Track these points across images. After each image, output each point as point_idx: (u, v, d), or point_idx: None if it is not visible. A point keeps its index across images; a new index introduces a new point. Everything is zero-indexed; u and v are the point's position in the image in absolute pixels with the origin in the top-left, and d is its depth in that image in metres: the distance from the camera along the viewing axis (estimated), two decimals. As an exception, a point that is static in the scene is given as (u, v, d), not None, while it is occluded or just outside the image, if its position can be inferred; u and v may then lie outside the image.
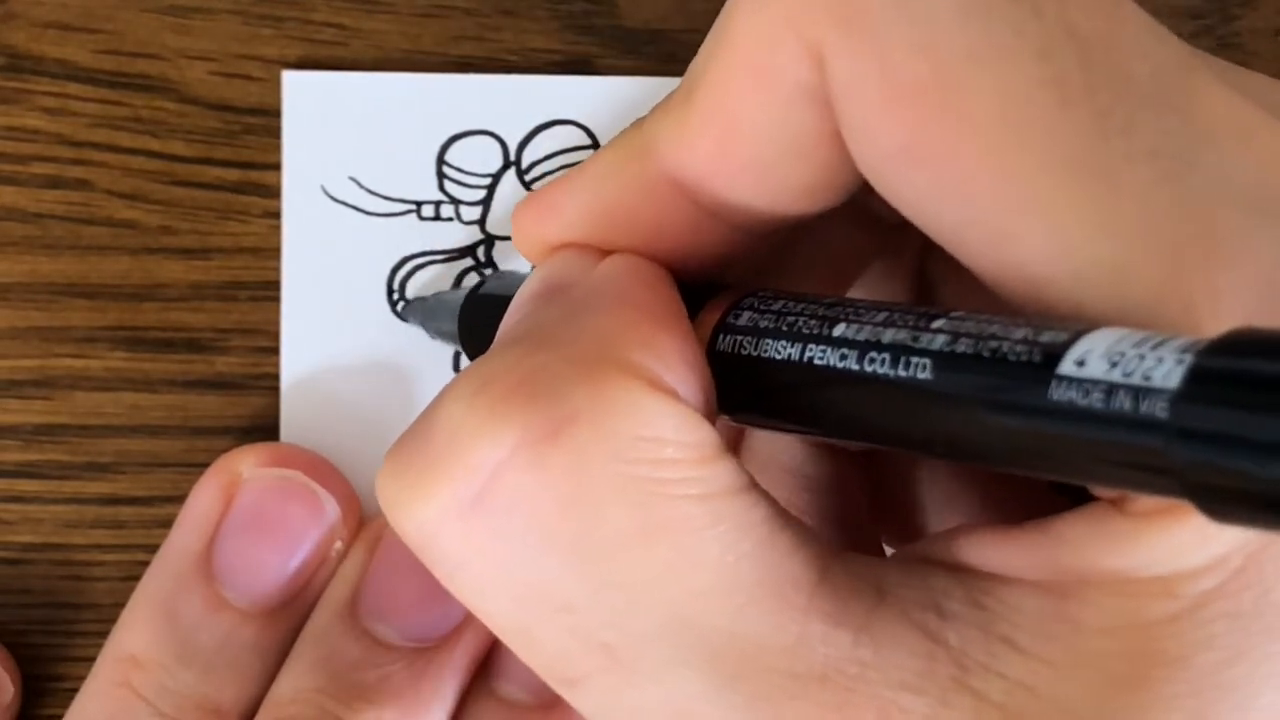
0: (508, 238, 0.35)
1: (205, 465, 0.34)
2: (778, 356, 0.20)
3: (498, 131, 0.35)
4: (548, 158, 0.35)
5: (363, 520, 0.34)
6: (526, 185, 0.35)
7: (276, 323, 0.34)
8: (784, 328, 0.20)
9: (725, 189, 0.21)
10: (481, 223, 0.35)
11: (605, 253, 0.22)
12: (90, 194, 0.34)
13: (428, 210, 0.35)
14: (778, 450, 0.24)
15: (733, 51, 0.20)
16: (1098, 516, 0.18)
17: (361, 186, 0.35)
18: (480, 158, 0.35)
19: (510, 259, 0.35)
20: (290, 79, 0.34)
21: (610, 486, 0.19)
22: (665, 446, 0.19)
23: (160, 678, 0.32)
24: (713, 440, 0.19)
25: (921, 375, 0.18)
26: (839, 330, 0.19)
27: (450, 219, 0.35)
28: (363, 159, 0.35)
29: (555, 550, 0.19)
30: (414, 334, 0.35)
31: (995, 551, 0.19)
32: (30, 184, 0.34)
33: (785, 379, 0.20)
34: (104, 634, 0.33)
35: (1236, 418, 0.15)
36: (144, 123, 0.34)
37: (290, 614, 0.33)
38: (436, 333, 0.34)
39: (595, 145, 0.35)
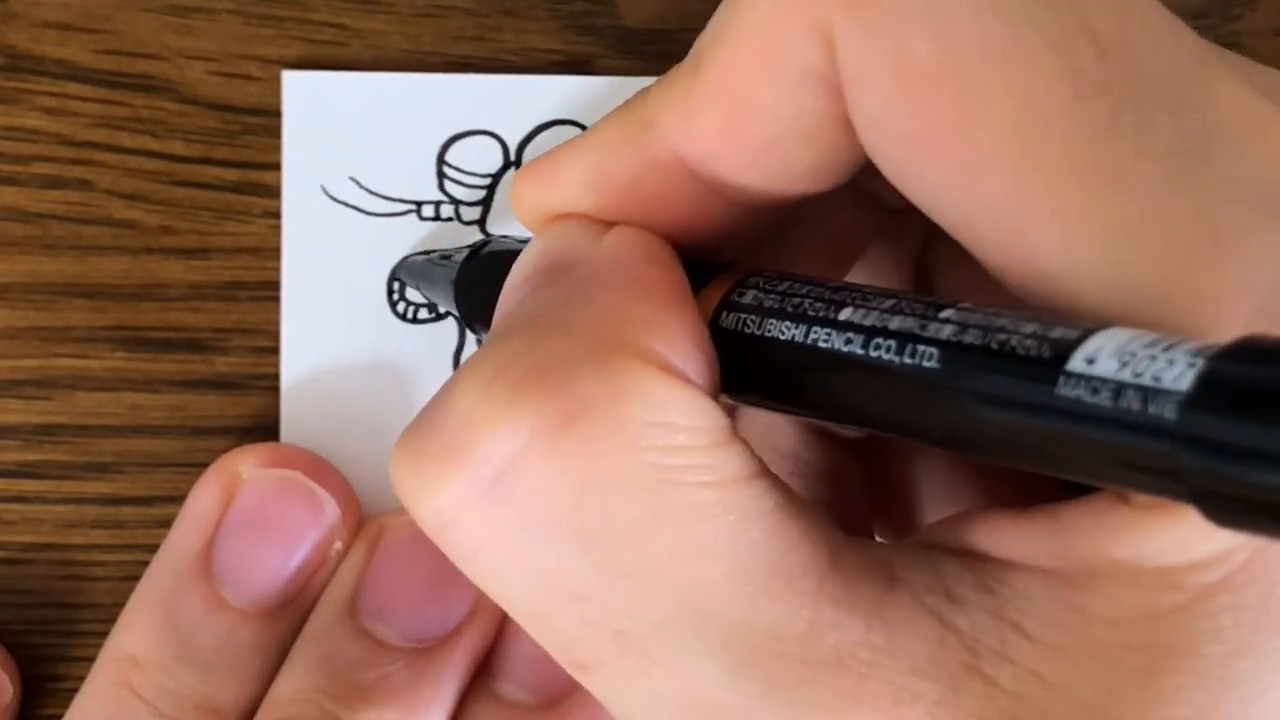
0: (508, 237, 0.35)
1: (205, 465, 0.34)
2: (782, 337, 0.20)
3: (498, 131, 0.35)
4: (548, 157, 0.35)
5: (362, 520, 0.34)
6: (526, 185, 0.35)
7: (276, 323, 0.34)
8: (789, 308, 0.20)
9: (728, 168, 0.21)
10: (481, 223, 0.35)
11: (606, 224, 0.22)
12: (90, 194, 0.34)
13: (428, 210, 0.35)
14: (772, 434, 0.24)
15: (741, 31, 0.20)
16: (1103, 507, 0.18)
17: (361, 186, 0.35)
18: (480, 158, 0.35)
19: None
20: (290, 79, 0.34)
21: (622, 475, 0.19)
22: (676, 433, 0.19)
23: (160, 678, 0.32)
24: (723, 425, 0.19)
25: (928, 364, 0.18)
26: (845, 314, 0.19)
27: (450, 219, 0.35)
28: (362, 159, 0.35)
29: (568, 539, 0.19)
30: (414, 334, 0.35)
31: (1005, 537, 0.19)
32: (30, 184, 0.34)
33: (788, 360, 0.20)
34: (104, 634, 0.33)
35: (1247, 428, 0.15)
36: (144, 123, 0.34)
37: (290, 614, 0.33)
38: (430, 294, 0.34)
39: (595, 145, 0.35)
